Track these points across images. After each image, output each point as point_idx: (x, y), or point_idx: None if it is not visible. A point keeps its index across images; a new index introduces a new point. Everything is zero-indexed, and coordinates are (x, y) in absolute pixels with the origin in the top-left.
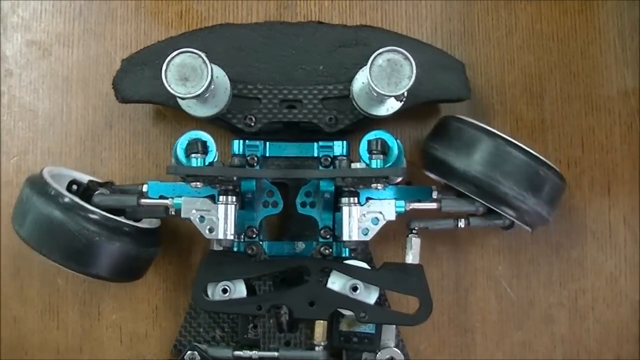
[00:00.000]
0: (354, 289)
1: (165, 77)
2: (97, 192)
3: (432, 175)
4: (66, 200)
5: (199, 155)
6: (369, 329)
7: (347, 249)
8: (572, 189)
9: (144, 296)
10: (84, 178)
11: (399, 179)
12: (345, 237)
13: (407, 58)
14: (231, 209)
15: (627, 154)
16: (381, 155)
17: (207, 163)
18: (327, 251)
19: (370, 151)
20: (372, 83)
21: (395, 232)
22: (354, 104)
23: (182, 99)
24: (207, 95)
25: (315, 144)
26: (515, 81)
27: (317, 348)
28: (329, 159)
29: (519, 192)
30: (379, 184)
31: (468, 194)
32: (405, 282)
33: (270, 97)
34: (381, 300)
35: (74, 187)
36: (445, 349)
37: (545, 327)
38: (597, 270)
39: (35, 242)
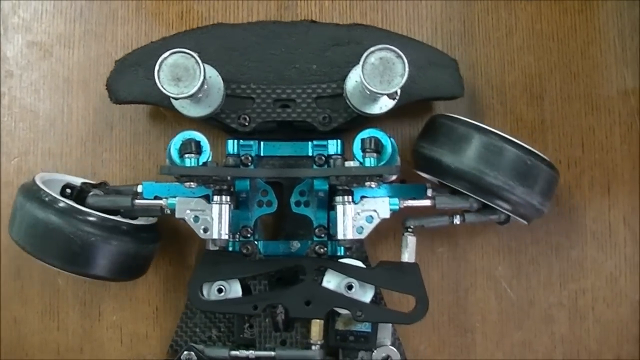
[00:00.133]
0: (349, 287)
1: (158, 78)
2: (91, 193)
3: (425, 175)
4: (60, 205)
5: (193, 155)
6: (365, 327)
7: (342, 248)
8: (572, 189)
9: (144, 297)
10: (77, 181)
11: (393, 177)
12: (340, 236)
13: (399, 56)
14: (225, 208)
15: (627, 153)
16: (375, 154)
17: (200, 163)
18: (322, 250)
19: (363, 150)
20: (365, 81)
21: (391, 230)
22: (348, 102)
23: (175, 99)
24: (200, 95)
25: (309, 143)
26: (516, 81)
27: (313, 347)
28: (323, 158)
29: (505, 181)
30: (372, 182)
31: (460, 189)
32: (401, 280)
33: (264, 96)
34: (377, 299)
35: (68, 190)
36: (445, 349)
37: (545, 327)
38: (597, 270)
39: (33, 249)
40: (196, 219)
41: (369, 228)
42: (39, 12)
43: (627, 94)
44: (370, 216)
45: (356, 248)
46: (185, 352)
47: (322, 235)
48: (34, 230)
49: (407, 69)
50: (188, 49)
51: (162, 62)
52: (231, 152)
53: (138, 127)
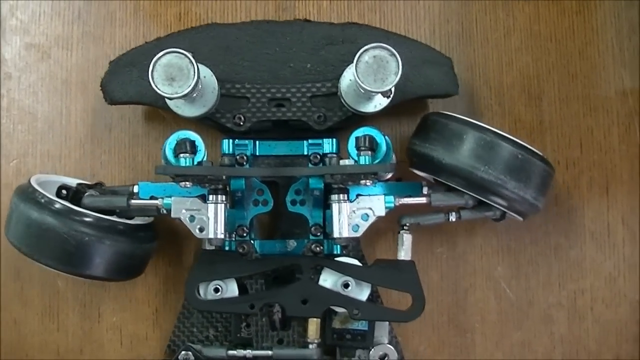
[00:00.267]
0: (346, 286)
1: (152, 78)
2: (86, 193)
3: (420, 173)
4: (56, 205)
5: (188, 155)
6: (361, 326)
7: (338, 246)
8: (571, 189)
9: (144, 298)
10: (73, 182)
11: (389, 175)
12: (335, 234)
13: (393, 54)
14: (221, 208)
15: (625, 154)
16: (369, 152)
17: (195, 163)
18: (318, 249)
19: (358, 148)
20: (359, 80)
21: (387, 229)
22: (342, 101)
23: (170, 99)
24: (194, 95)
25: (304, 142)
26: (514, 82)
27: (310, 346)
28: (319, 157)
29: (497, 176)
30: (367, 180)
31: (455, 186)
32: (397, 278)
33: (259, 96)
34: (374, 297)
35: (64, 192)
36: (445, 349)
37: (545, 327)
38: (596, 271)
39: (28, 249)
40: (192, 218)
41: (364, 226)
42: (37, 14)
43: (625, 95)
44: (366, 214)
45: (352, 246)
46: (183, 352)
47: (318, 234)
48: (29, 230)
49: (400, 67)
50: (182, 49)
51: (156, 62)
52: (226, 152)
53: (137, 129)
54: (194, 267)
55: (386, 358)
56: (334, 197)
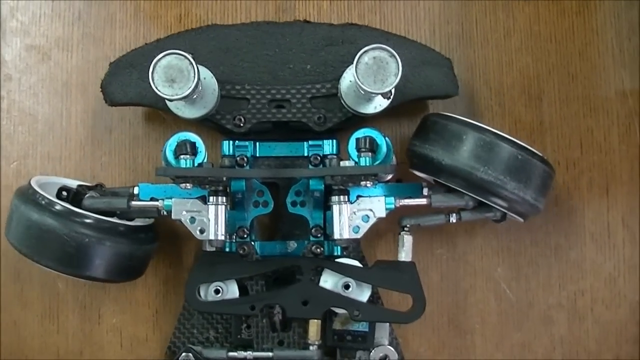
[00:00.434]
0: (346, 287)
1: (153, 79)
2: (87, 195)
3: (420, 174)
4: (56, 207)
5: (188, 156)
6: (362, 327)
7: (338, 248)
8: (571, 190)
9: (144, 299)
10: (73, 184)
11: (389, 177)
12: (336, 236)
13: (392, 55)
14: (221, 209)
15: (625, 154)
16: (370, 153)
17: (196, 164)
18: (318, 250)
19: (358, 149)
20: (359, 81)
21: (387, 230)
22: (342, 102)
23: (170, 100)
24: (194, 96)
25: (304, 143)
26: (514, 83)
27: (311, 347)
28: (319, 158)
29: (496, 176)
30: (368, 182)
31: (454, 187)
32: (397, 279)
33: (259, 97)
34: (374, 299)
35: (64, 193)
36: (445, 350)
37: (545, 328)
38: (596, 271)
39: (29, 251)
40: (192, 220)
41: (365, 227)
42: (37, 15)
43: (625, 95)
44: (367, 215)
45: (352, 247)
46: (184, 354)
47: (319, 235)
48: (29, 232)
49: (400, 68)
50: (182, 50)
51: (156, 63)
52: (226, 153)
53: (137, 130)
54: (194, 269)
55: (386, 359)
56: (335, 198)
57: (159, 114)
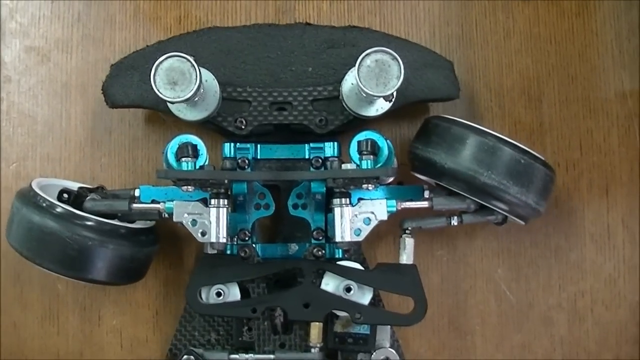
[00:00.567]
0: (348, 289)
1: (154, 82)
2: (88, 197)
3: (421, 177)
4: (57, 209)
5: (190, 159)
6: (363, 329)
7: (340, 250)
8: (571, 191)
9: (144, 301)
10: (74, 186)
11: (390, 179)
12: (337, 238)
13: (395, 58)
14: (223, 212)
15: (625, 156)
16: (371, 156)
17: (197, 167)
18: (320, 252)
19: (360, 152)
20: (361, 84)
21: (388, 232)
22: (344, 104)
23: (172, 103)
24: (196, 99)
25: (306, 145)
26: (514, 84)
27: (312, 350)
28: (320, 160)
29: (499, 181)
30: (369, 185)
31: (457, 190)
32: (399, 282)
33: (260, 99)
34: (376, 301)
35: (65, 195)
36: (445, 351)
37: (545, 329)
38: (596, 272)
39: (30, 253)
40: (194, 222)
41: (366, 230)
42: (37, 17)
43: (624, 97)
44: (368, 218)
45: (354, 250)
46: (185, 356)
47: (320, 238)
48: (30, 234)
49: (402, 71)
50: (183, 53)
51: (157, 66)
52: (228, 155)
53: (137, 132)
54: (196, 271)
55: None
56: (336, 201)
57: (158, 115)
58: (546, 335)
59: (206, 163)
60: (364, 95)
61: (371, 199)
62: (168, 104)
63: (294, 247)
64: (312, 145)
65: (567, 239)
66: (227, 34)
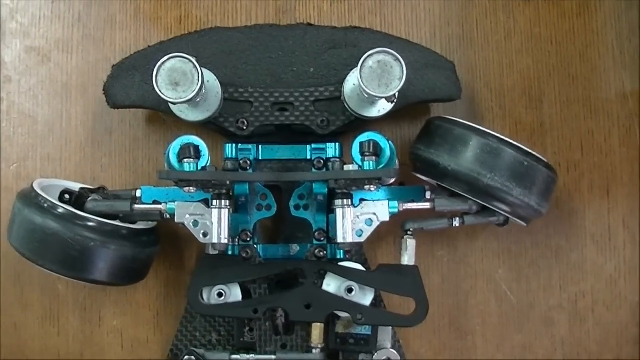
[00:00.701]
0: (349, 290)
1: (156, 82)
2: (89, 198)
3: (423, 178)
4: (59, 210)
5: (192, 160)
6: (365, 330)
7: (341, 251)
8: (572, 192)
9: (145, 301)
10: (76, 187)
11: (392, 180)
12: (339, 239)
13: (397, 59)
14: (225, 212)
15: (625, 156)
16: (373, 157)
17: (199, 168)
18: (321, 253)
19: (362, 153)
20: (363, 85)
21: (390, 234)
22: (346, 105)
23: (174, 103)
24: (198, 99)
25: (307, 146)
26: (514, 84)
27: (314, 350)
28: (322, 161)
29: (502, 183)
30: (372, 186)
31: (459, 192)
32: (400, 283)
33: (262, 100)
34: (377, 302)
35: (66, 196)
36: (446, 352)
37: (546, 329)
38: (596, 273)
39: (32, 254)
40: (195, 223)
41: (368, 231)
42: (37, 17)
43: (625, 97)
44: (370, 219)
45: (355, 251)
46: (186, 357)
47: (322, 239)
48: (32, 236)
49: (405, 72)
50: (185, 53)
51: (160, 66)
52: (229, 156)
53: (137, 132)
54: (197, 272)
55: None
56: (338, 202)
57: (159, 115)
58: (547, 336)
59: (208, 164)
60: (366, 96)
61: (373, 200)
62: (170, 104)
63: (295, 248)
64: (313, 146)
65: (568, 240)
66: (229, 35)
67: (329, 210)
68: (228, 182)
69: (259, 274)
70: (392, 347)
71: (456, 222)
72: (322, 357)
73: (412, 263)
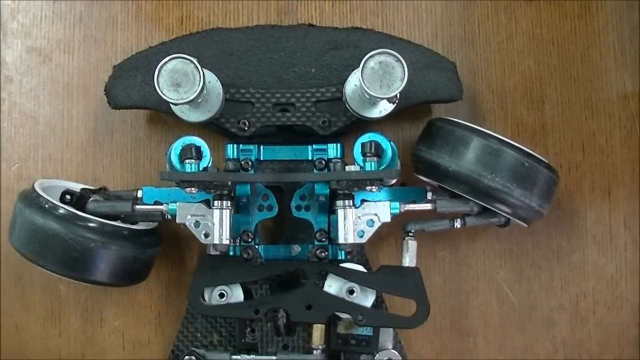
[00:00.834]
0: (351, 291)
1: (158, 83)
2: (91, 199)
3: (425, 179)
4: (60, 211)
5: (193, 160)
6: (366, 331)
7: (342, 252)
8: (573, 192)
9: (146, 302)
10: (77, 187)
11: (393, 181)
12: (341, 240)
13: (398, 60)
14: (226, 213)
15: (627, 157)
16: (375, 158)
17: (201, 168)
18: (322, 254)
19: (364, 154)
20: (365, 86)
21: (391, 235)
22: (347, 106)
23: (175, 104)
24: (199, 100)
25: (309, 146)
26: (516, 85)
27: (315, 351)
28: (323, 162)
29: (503, 184)
30: (373, 187)
31: (460, 193)
32: (401, 284)
33: (263, 100)
34: (379, 303)
35: (67, 197)
36: (447, 353)
37: (547, 330)
38: (597, 274)
39: (33, 255)
40: (197, 224)
41: (369, 232)
42: (38, 17)
43: (626, 98)
44: (371, 220)
45: (356, 252)
46: (187, 357)
47: (323, 240)
48: (33, 236)
49: (406, 73)
50: (186, 54)
51: (161, 67)
52: (231, 157)
53: (139, 133)
54: (198, 272)
55: None
56: (340, 202)
57: (160, 116)
58: (548, 337)
59: (209, 165)
60: (368, 97)
61: (374, 201)
62: (171, 105)
63: (296, 249)
64: (315, 146)
65: (569, 241)
66: (230, 35)
67: (330, 211)
68: (229, 183)
69: (260, 275)
70: (394, 348)
71: (457, 223)
72: (323, 358)
73: (413, 264)
